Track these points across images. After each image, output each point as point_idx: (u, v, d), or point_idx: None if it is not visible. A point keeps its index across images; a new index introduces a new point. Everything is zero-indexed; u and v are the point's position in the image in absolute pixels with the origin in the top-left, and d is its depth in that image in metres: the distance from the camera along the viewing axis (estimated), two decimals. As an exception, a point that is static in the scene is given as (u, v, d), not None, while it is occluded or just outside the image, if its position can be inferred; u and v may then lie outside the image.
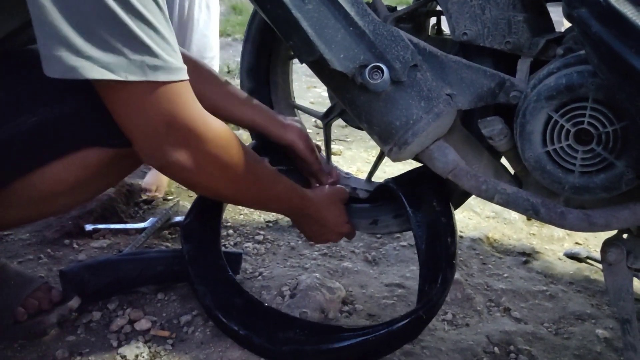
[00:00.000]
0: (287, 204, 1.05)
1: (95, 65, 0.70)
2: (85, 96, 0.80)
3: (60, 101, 0.83)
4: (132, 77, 0.72)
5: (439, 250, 1.03)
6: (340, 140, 2.30)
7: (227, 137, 0.87)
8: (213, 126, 0.84)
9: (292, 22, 0.89)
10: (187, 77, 0.79)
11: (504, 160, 1.01)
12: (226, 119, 1.06)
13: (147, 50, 0.72)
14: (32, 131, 0.83)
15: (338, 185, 1.17)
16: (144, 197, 1.65)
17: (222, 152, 0.86)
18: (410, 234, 1.53)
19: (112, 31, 0.70)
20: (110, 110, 0.78)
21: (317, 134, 2.30)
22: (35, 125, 0.83)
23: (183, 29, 1.72)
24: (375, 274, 1.37)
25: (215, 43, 1.85)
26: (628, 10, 0.69)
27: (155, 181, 1.66)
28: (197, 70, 1.02)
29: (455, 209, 1.12)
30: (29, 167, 0.84)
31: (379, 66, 0.88)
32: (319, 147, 1.23)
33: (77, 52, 0.69)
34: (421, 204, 1.08)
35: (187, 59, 0.84)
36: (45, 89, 0.82)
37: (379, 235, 1.55)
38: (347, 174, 1.25)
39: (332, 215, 1.11)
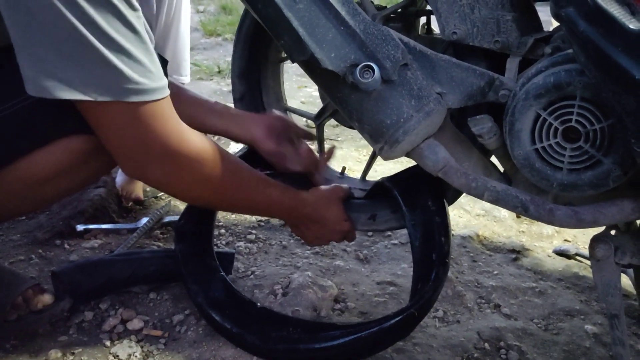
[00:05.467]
0: (280, 207, 1.05)
1: (66, 86, 0.74)
2: None
3: None
4: (101, 98, 0.75)
5: (432, 249, 1.04)
6: (331, 139, 2.31)
7: (205, 149, 0.89)
8: (190, 140, 0.86)
9: (283, 22, 0.89)
10: (164, 95, 0.81)
11: (493, 159, 1.02)
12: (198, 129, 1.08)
13: (117, 72, 0.75)
14: (16, 116, 0.84)
15: (336, 184, 1.16)
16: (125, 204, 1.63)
17: (200, 164, 0.88)
18: (401, 232, 1.54)
19: (84, 55, 0.73)
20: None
21: (308, 133, 2.31)
22: (20, 110, 0.84)
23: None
24: (367, 272, 1.38)
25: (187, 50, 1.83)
26: (614, 9, 0.71)
27: (126, 185, 1.64)
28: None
29: (449, 205, 1.13)
30: (14, 154, 0.85)
31: (370, 65, 0.89)
32: (310, 135, 1.23)
33: (50, 74, 0.73)
34: (416, 203, 1.09)
35: None
36: None
37: (370, 234, 1.56)
38: (341, 173, 1.25)
39: (331, 213, 1.10)
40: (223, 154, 0.92)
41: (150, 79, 0.79)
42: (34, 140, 0.86)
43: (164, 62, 0.96)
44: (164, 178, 0.87)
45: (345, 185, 1.16)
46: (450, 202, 1.14)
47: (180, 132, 0.85)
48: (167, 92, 0.82)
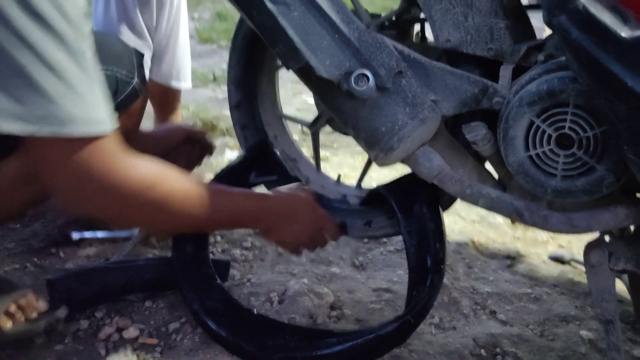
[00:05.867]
0: (246, 213, 1.00)
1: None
2: None
3: None
4: (35, 131, 0.71)
5: (427, 255, 1.04)
6: (326, 146, 2.31)
7: (150, 177, 0.84)
8: (132, 171, 0.81)
9: (278, 30, 0.90)
10: (104, 129, 0.76)
11: (488, 165, 1.03)
12: None
13: (51, 103, 0.70)
14: None
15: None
16: None
17: (145, 194, 0.83)
18: (397, 238, 1.55)
19: (22, 87, 0.69)
20: None
21: (304, 140, 2.31)
22: None
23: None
24: (363, 279, 1.38)
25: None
26: (606, 18, 0.71)
27: None
28: None
29: (444, 211, 1.13)
30: None
31: (365, 73, 0.90)
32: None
33: None
34: (411, 210, 1.09)
35: None
36: None
37: (365, 240, 1.56)
38: (337, 181, 1.26)
39: (300, 203, 1.06)
40: (173, 177, 0.87)
41: (92, 113, 0.74)
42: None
43: (139, 56, 0.96)
44: (105, 210, 0.82)
45: (336, 194, 1.18)
46: (445, 208, 1.15)
47: (122, 164, 0.80)
48: (109, 125, 0.77)
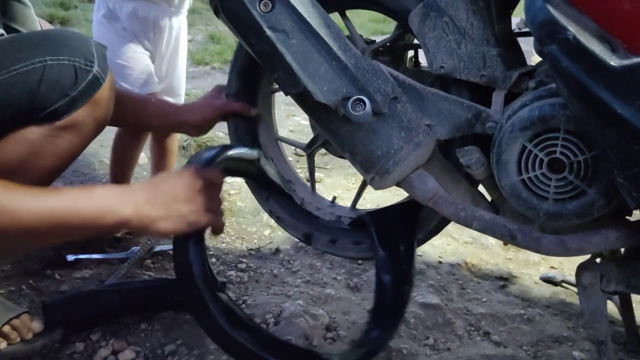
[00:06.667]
0: (102, 204, 0.83)
1: None
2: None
3: None
4: None
5: (394, 297, 1.04)
6: (320, 167, 2.33)
7: None
8: None
9: (276, 56, 0.92)
10: None
11: (481, 187, 1.04)
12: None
13: None
14: None
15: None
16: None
17: None
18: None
19: None
20: None
21: (297, 161, 2.33)
22: None
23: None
24: (358, 300, 1.39)
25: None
26: (595, 47, 0.74)
27: None
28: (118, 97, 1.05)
29: (435, 234, 1.15)
30: None
31: (362, 99, 0.92)
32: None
33: None
34: (389, 245, 1.09)
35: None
36: None
37: (360, 262, 1.57)
38: (332, 202, 1.27)
39: (162, 176, 0.94)
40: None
41: None
42: None
43: (100, 47, 0.98)
44: None
45: (330, 215, 1.19)
46: (436, 233, 1.16)
47: None
48: None
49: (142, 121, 1.23)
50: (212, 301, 0.93)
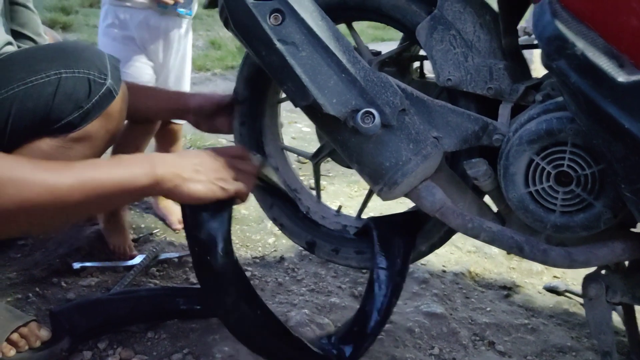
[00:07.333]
0: (134, 171, 0.83)
1: None
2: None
3: None
4: None
5: (382, 305, 1.07)
6: (322, 175, 2.33)
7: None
8: None
9: (286, 69, 0.93)
10: None
11: (487, 198, 1.05)
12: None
13: None
14: None
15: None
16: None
17: None
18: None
19: None
20: None
21: (300, 169, 2.34)
22: None
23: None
24: (362, 309, 1.39)
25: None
26: (603, 63, 0.75)
27: (114, 239, 1.58)
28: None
29: (440, 246, 1.16)
30: None
31: (370, 111, 0.93)
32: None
33: None
34: (388, 255, 1.11)
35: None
36: None
37: (364, 271, 1.57)
38: (337, 211, 1.28)
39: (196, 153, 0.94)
40: (28, 166, 0.77)
41: None
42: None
43: (114, 60, 0.99)
44: None
45: (336, 224, 1.21)
46: (440, 245, 1.17)
47: None
48: None
49: (139, 107, 1.17)
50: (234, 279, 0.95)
